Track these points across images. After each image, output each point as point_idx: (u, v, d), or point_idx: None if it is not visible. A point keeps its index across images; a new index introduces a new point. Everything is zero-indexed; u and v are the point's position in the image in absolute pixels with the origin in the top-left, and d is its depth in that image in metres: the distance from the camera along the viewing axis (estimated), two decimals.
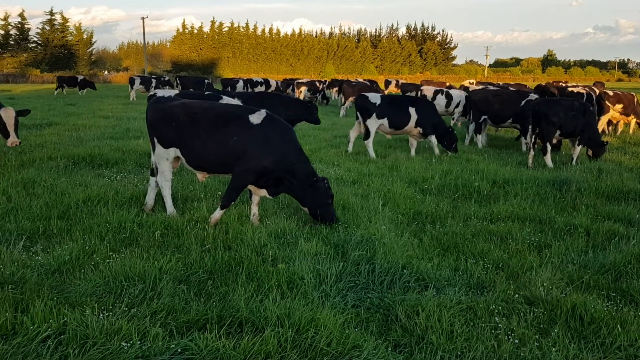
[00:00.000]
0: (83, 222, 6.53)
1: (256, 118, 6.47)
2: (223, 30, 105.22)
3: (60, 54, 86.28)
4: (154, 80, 31.66)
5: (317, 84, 31.04)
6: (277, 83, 31.55)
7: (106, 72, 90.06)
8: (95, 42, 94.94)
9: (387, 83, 34.75)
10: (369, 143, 12.23)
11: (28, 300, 4.32)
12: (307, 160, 6.67)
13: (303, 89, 28.56)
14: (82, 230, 6.19)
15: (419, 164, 11.00)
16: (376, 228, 6.40)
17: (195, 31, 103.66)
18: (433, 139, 12.36)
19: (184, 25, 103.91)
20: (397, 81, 34.49)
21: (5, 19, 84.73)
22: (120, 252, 5.57)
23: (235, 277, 5.02)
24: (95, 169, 10.07)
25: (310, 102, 13.23)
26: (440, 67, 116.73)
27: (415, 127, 12.15)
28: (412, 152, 12.65)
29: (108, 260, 5.28)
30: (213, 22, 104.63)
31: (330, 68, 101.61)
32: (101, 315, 4.17)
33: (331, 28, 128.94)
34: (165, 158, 6.86)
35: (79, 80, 38.79)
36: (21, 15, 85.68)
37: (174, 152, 6.79)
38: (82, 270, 5.07)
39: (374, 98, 12.20)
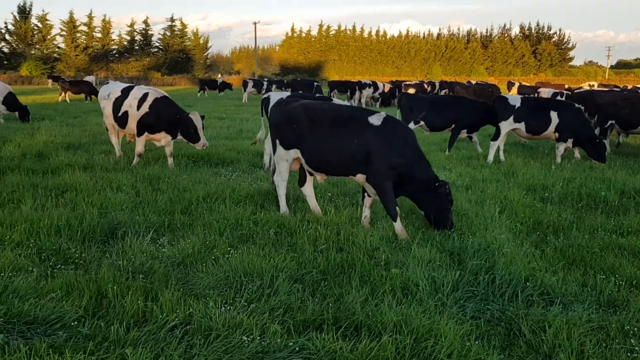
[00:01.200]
0: (203, 217, 6.84)
1: (376, 119, 6.42)
2: (330, 33, 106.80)
3: (179, 58, 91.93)
4: (265, 83, 32.80)
5: (425, 85, 30.50)
6: (383, 85, 31.42)
7: (219, 76, 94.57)
8: (210, 46, 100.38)
9: (510, 85, 33.44)
10: (494, 145, 11.75)
11: (157, 290, 4.58)
12: (428, 164, 6.53)
13: (411, 90, 28.17)
14: (203, 225, 6.49)
15: (537, 170, 10.43)
16: (493, 237, 6.13)
17: (304, 35, 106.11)
18: (561, 146, 11.61)
19: (292, 30, 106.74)
20: (520, 83, 33.10)
21: (132, 25, 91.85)
22: (237, 248, 5.77)
23: (349, 279, 5.01)
24: (212, 167, 10.54)
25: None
26: (555, 69, 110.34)
27: (555, 132, 11.45)
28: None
29: (227, 256, 5.49)
30: (321, 26, 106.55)
31: (437, 69, 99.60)
32: (222, 308, 4.32)
33: (439, 29, 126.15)
34: (285, 159, 7.02)
35: (218, 83, 41.86)
36: (145, 22, 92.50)
37: (294, 153, 6.92)
38: (204, 264, 5.30)
39: (514, 100, 11.71)
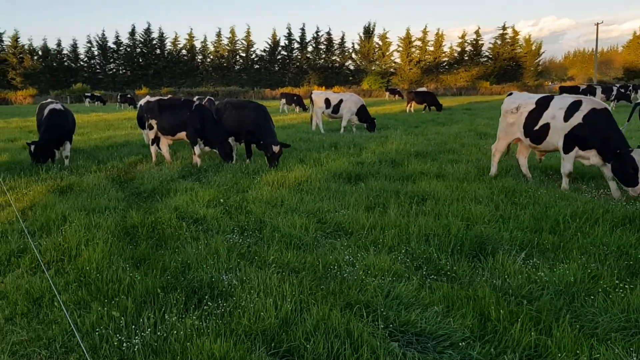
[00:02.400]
0: (576, 240, 6.03)
1: None
2: None
3: (508, 67, 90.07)
4: (615, 89, 29.21)
5: None
6: None
7: (550, 83, 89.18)
8: (542, 52, 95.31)
9: None
10: None
11: (547, 322, 4.05)
12: None
13: None
14: (577, 249, 5.70)
15: None
16: None
17: None
18: None
19: None
20: None
21: (463, 37, 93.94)
22: (628, 282, 4.83)
23: None
24: (571, 182, 9.45)
25: None
26: None
27: None
28: None
29: (619, 290, 4.62)
30: None
31: None
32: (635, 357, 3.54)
33: None
34: None
35: (580, 90, 38.47)
36: (476, 32, 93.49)
37: None
38: (592, 297, 4.55)
39: None
